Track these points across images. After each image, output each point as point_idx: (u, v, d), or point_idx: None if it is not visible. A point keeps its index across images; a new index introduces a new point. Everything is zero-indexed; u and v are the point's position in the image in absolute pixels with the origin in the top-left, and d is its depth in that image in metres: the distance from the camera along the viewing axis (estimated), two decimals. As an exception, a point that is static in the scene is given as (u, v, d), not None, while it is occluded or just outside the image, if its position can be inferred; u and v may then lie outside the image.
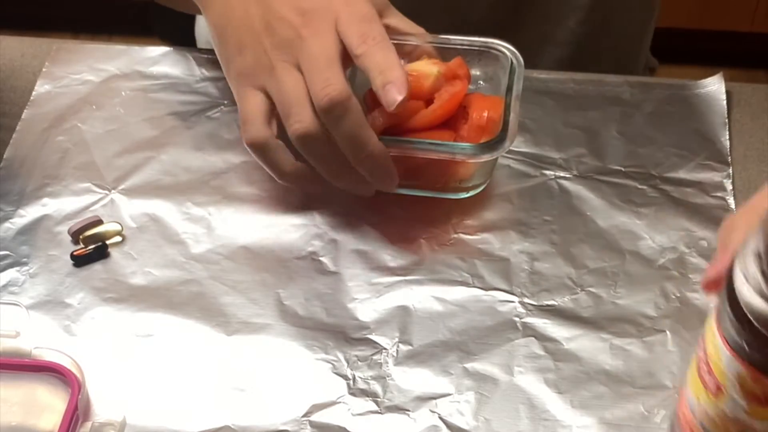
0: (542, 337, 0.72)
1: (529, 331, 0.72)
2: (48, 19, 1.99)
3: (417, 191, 0.79)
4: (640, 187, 0.80)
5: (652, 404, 0.68)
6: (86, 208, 0.79)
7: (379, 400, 0.69)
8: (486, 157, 0.74)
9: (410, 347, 0.71)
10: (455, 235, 0.77)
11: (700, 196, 0.79)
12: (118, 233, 0.77)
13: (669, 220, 0.78)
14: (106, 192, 0.80)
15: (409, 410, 0.69)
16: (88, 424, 0.66)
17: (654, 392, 0.69)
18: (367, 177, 0.75)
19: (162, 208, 0.79)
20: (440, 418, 0.68)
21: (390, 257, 0.76)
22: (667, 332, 0.72)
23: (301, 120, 0.72)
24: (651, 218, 0.78)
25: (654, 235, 0.77)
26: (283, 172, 0.76)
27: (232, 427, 0.68)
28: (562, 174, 0.81)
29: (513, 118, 0.75)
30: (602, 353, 0.71)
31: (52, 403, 0.67)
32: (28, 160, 0.82)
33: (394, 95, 0.71)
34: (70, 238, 0.77)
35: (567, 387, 0.69)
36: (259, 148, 0.75)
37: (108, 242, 0.77)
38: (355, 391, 0.69)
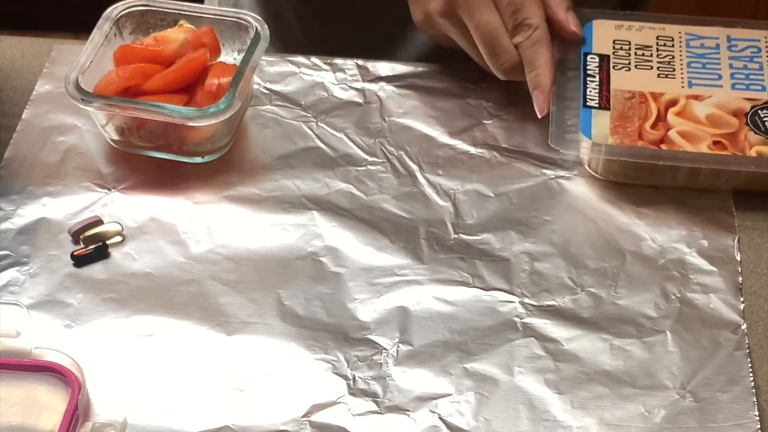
0: (542, 338, 0.72)
1: (530, 332, 0.72)
2: (48, 19, 1.99)
3: (157, 153, 0.81)
4: (640, 187, 0.80)
5: (652, 404, 0.68)
6: (86, 208, 0.79)
7: (379, 400, 0.69)
8: (202, 122, 0.77)
9: (410, 347, 0.71)
10: (455, 235, 0.77)
11: (701, 196, 0.79)
12: (118, 233, 0.77)
13: (669, 221, 0.78)
14: (106, 192, 0.80)
15: (409, 410, 0.68)
16: (89, 425, 0.66)
17: (654, 393, 0.69)
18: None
19: (162, 208, 0.79)
20: (440, 418, 0.68)
21: (390, 257, 0.76)
22: (668, 333, 0.72)
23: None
24: (651, 218, 0.78)
25: (654, 235, 0.77)
26: None
27: (232, 427, 0.68)
28: (562, 174, 0.81)
29: (242, 86, 0.77)
30: (602, 354, 0.71)
31: (52, 403, 0.67)
32: (28, 160, 0.82)
33: None
34: (70, 238, 0.77)
35: (567, 387, 0.69)
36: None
37: (108, 242, 0.77)
38: (355, 392, 0.69)
